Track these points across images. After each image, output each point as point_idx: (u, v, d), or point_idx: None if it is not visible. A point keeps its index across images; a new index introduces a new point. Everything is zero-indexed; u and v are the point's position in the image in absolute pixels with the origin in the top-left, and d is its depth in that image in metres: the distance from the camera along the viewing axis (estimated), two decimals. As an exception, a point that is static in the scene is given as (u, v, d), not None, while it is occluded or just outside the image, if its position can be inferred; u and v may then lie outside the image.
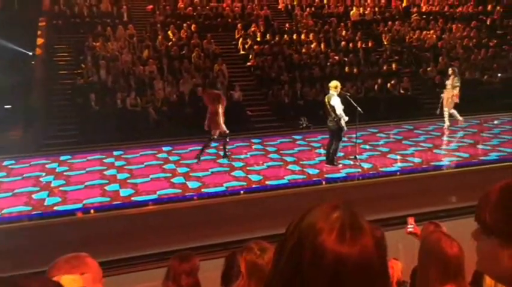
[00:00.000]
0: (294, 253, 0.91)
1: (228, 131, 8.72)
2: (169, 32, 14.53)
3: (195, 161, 8.82)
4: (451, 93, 11.25)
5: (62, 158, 9.54)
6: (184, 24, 14.82)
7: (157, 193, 7.28)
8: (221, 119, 8.60)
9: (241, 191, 7.42)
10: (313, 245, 0.89)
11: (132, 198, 7.13)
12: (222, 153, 9.10)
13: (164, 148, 10.15)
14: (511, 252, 0.94)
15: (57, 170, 8.77)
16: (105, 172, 8.52)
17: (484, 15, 18.21)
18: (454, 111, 11.35)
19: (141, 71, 12.78)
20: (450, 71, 11.71)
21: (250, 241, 2.24)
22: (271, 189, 7.43)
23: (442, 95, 11.46)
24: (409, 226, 3.42)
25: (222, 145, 9.12)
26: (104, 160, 9.36)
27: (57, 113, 11.78)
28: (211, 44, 14.49)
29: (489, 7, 18.65)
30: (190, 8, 15.81)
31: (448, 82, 11.43)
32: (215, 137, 8.75)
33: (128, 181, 7.95)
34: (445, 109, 11.36)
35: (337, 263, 0.87)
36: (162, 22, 15.01)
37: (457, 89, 11.24)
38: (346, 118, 8.12)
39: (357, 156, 8.70)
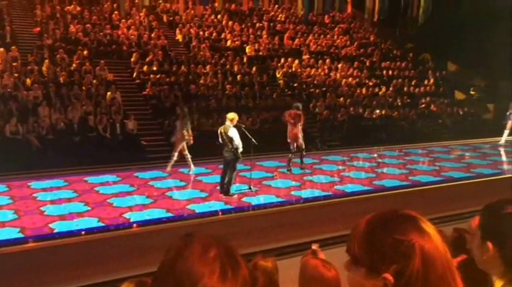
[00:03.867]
0: None
1: (304, 146, 10.60)
2: (58, 57, 13.73)
3: (287, 170, 10.49)
4: (181, 134, 10.08)
5: None
6: (78, 50, 14.13)
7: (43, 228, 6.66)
8: (300, 134, 10.40)
9: (134, 225, 7.09)
10: None
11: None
12: (299, 161, 10.76)
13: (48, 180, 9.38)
14: (374, 283, 0.98)
15: None
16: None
17: (365, 57, 20.11)
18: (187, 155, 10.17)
19: (24, 97, 11.82)
20: (178, 110, 10.64)
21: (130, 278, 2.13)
22: (165, 222, 7.21)
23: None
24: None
25: (300, 157, 10.74)
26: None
27: None
28: (104, 70, 13.97)
29: (369, 50, 20.66)
30: (81, 33, 15.15)
31: (178, 123, 10.38)
32: (294, 149, 10.48)
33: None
34: (175, 154, 10.14)
35: None
36: (50, 46, 14.15)
37: (188, 129, 10.16)
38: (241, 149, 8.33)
39: (252, 186, 8.87)
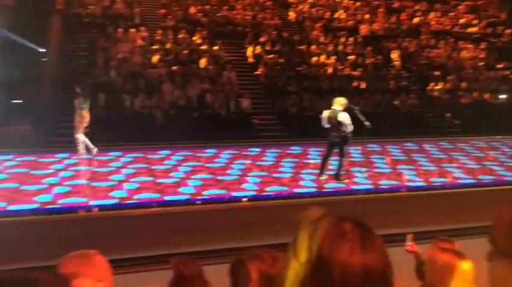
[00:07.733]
0: (320, 273, 0.95)
1: None
2: (179, 36, 14.59)
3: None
4: (79, 115, 9.42)
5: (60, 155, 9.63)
6: (197, 31, 14.91)
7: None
8: None
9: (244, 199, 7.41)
10: (340, 265, 0.92)
11: (135, 199, 7.12)
12: None
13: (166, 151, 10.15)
14: None
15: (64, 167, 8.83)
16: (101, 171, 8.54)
17: (494, 37, 18.25)
18: (85, 139, 9.50)
19: (150, 74, 12.81)
20: (78, 89, 9.81)
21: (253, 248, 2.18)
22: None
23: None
24: (407, 243, 3.39)
25: None
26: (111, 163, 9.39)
27: (66, 110, 11.65)
28: (221, 50, 14.54)
29: (499, 29, 18.70)
30: (201, 14, 15.89)
31: (76, 102, 9.61)
32: None
33: (131, 181, 7.97)
34: (77, 135, 9.48)
35: (366, 273, 0.93)
36: (173, 27, 15.08)
37: (86, 110, 9.43)
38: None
39: (362, 169, 8.70)
